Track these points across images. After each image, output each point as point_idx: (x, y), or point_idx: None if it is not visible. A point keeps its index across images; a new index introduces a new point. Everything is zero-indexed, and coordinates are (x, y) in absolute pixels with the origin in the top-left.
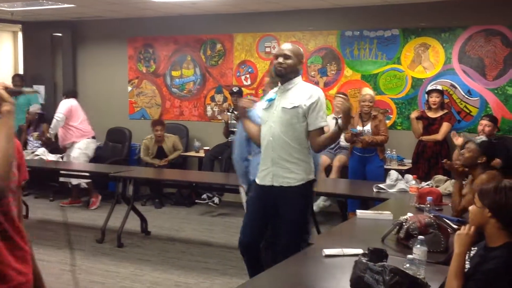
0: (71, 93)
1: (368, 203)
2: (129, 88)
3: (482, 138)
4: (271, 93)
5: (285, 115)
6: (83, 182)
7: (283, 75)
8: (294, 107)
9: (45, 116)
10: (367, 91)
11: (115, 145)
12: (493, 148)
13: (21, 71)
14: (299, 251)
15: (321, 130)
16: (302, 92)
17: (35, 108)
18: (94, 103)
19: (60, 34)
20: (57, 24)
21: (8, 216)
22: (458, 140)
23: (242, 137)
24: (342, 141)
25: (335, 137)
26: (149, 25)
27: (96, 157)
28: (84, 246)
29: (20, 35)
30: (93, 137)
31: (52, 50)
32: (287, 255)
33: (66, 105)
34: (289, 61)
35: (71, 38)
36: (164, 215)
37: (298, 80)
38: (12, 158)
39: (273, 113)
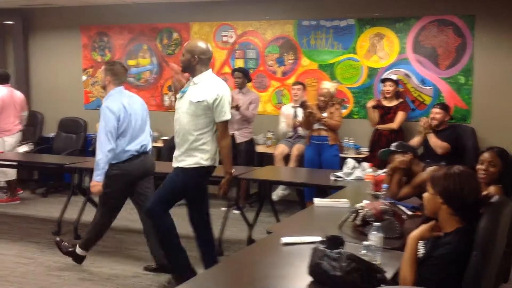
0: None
1: (326, 191)
2: (84, 78)
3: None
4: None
5: (191, 107)
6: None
7: (183, 70)
8: (199, 101)
9: None
10: (325, 84)
11: (68, 136)
12: (405, 146)
13: None
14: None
15: (225, 122)
16: (209, 88)
17: None
18: (47, 93)
19: (11, 22)
20: (7, 11)
21: None
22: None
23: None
24: (301, 130)
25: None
26: (104, 13)
27: (48, 148)
28: (40, 238)
29: None
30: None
31: (3, 39)
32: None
33: None
34: (182, 58)
35: (22, 26)
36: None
37: (207, 75)
38: None
39: (183, 104)
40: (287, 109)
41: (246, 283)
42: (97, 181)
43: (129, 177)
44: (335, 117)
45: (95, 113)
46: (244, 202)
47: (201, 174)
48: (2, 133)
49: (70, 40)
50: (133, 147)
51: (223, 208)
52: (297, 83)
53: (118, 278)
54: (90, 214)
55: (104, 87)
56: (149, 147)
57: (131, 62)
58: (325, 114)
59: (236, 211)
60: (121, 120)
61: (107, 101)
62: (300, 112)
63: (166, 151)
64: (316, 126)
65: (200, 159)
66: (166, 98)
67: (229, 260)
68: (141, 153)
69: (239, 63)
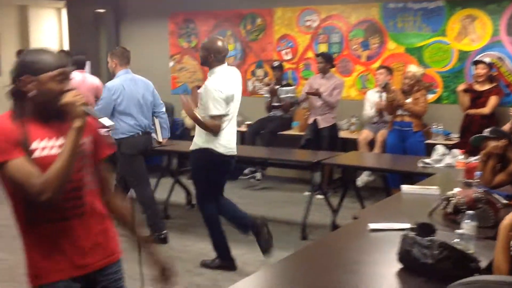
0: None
1: (411, 178)
2: (171, 64)
3: None
4: None
5: (201, 97)
6: None
7: (201, 64)
8: (200, 93)
9: None
10: (411, 68)
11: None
12: (499, 132)
13: (66, 48)
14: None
15: (212, 117)
16: (206, 82)
17: None
18: None
19: (103, 10)
20: (100, 0)
21: (82, 191)
22: None
23: None
24: (386, 115)
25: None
26: (190, 0)
27: None
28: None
29: (64, 11)
30: None
31: (96, 26)
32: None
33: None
34: (200, 54)
35: (114, 14)
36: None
37: (217, 70)
38: (70, 175)
39: None
40: (372, 94)
41: (334, 266)
42: None
43: (133, 151)
44: (420, 103)
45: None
46: (327, 187)
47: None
48: None
49: (158, 27)
50: (134, 124)
51: (307, 193)
52: (382, 67)
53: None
54: (178, 195)
55: (112, 71)
56: (149, 126)
57: None
58: (409, 100)
59: (320, 196)
60: (119, 98)
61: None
62: (384, 96)
63: (250, 135)
64: (399, 111)
65: (205, 141)
66: (249, 83)
67: (316, 245)
68: (143, 132)
69: (323, 48)
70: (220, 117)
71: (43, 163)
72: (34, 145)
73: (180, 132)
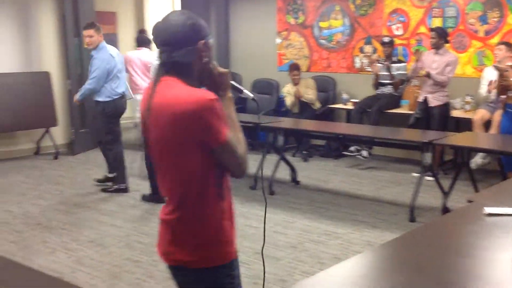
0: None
1: None
2: (278, 40)
3: None
4: None
5: None
6: None
7: None
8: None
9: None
10: None
11: (262, 96)
12: None
13: None
14: None
15: None
16: None
17: None
18: (244, 56)
19: None
20: None
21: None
22: None
23: None
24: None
25: None
26: None
27: (242, 108)
28: (239, 192)
29: None
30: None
31: (207, 7)
32: None
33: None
34: None
35: None
36: (312, 166)
37: None
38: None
39: None
40: (490, 72)
41: (446, 250)
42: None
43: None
44: None
45: (287, 75)
46: (437, 168)
47: None
48: (134, 90)
49: (266, 3)
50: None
51: (415, 174)
52: (501, 43)
53: (310, 233)
54: (283, 172)
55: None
56: (124, 91)
57: (323, 24)
58: None
59: (430, 178)
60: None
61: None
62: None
63: (357, 113)
64: (510, 93)
65: None
66: (357, 60)
67: (426, 227)
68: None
69: (437, 22)
70: None
71: None
72: None
73: (285, 109)
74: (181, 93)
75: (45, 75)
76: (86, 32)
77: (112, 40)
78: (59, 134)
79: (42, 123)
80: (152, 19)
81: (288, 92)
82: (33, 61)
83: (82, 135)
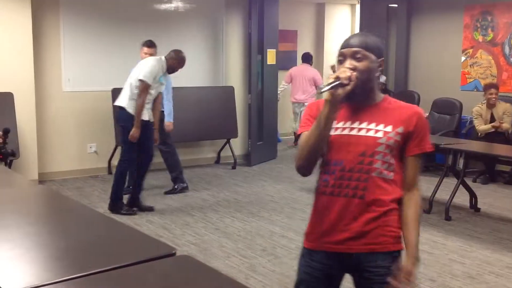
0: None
1: None
2: (463, 58)
3: None
4: None
5: None
6: None
7: None
8: None
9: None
10: None
11: (441, 116)
12: None
13: None
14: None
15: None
16: None
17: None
18: (425, 74)
19: (395, 5)
20: None
21: (360, 174)
22: None
23: None
24: None
25: None
26: None
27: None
28: None
29: (357, 7)
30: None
31: (387, 21)
32: None
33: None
34: None
35: (406, 9)
36: (495, 193)
37: None
38: (317, 147)
39: None
40: None
41: None
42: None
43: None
44: None
45: (471, 95)
46: None
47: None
48: (297, 101)
49: (451, 20)
50: None
51: None
52: None
53: (491, 266)
54: (461, 197)
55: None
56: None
57: None
58: None
59: None
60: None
61: None
62: None
63: None
64: None
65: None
66: None
67: None
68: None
69: None
70: None
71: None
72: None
73: (466, 130)
74: None
75: (230, 90)
76: (148, 50)
77: (291, 57)
78: (237, 145)
79: (224, 135)
80: (330, 38)
81: (478, 113)
82: (220, 76)
83: (258, 147)
